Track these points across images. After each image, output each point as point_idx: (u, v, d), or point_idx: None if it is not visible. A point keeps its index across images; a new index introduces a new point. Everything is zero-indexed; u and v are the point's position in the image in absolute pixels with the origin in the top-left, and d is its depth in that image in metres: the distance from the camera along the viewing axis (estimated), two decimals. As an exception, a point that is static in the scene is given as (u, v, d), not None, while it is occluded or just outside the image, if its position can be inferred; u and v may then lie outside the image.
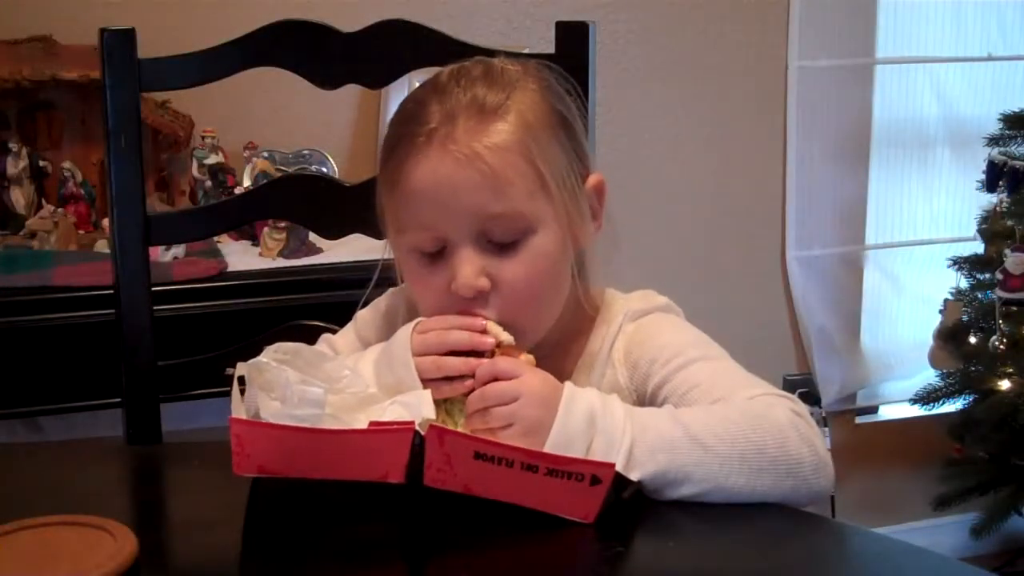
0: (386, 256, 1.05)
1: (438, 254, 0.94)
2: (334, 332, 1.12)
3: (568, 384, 0.89)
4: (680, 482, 0.85)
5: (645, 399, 0.98)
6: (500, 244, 0.93)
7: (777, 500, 0.87)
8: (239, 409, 0.89)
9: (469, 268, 0.92)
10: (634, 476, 0.85)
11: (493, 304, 0.93)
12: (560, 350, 1.02)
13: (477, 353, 0.91)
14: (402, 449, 0.83)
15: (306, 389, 0.86)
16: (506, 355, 0.90)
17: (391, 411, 0.88)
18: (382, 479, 0.84)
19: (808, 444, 0.89)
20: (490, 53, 1.32)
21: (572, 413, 0.86)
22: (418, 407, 0.88)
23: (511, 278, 0.93)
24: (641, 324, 1.01)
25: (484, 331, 0.91)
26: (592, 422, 0.86)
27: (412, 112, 0.95)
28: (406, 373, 0.91)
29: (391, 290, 1.11)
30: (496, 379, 0.88)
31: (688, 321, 1.04)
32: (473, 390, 0.89)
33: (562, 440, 0.85)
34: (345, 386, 0.91)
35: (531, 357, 0.91)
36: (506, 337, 0.91)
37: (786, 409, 0.90)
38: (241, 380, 0.90)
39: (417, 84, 2.09)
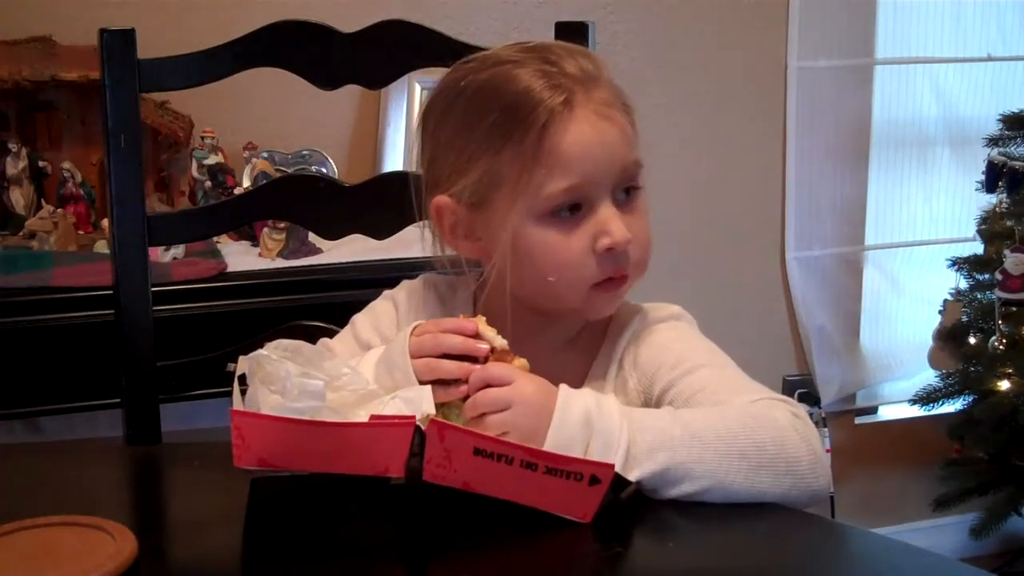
0: (437, 252, 1.05)
1: (573, 218, 0.95)
2: (333, 333, 1.12)
3: (563, 387, 0.89)
4: (680, 480, 0.86)
5: (651, 403, 0.98)
6: (623, 201, 0.97)
7: (775, 499, 0.88)
8: (240, 404, 0.89)
9: (617, 222, 0.95)
10: (634, 475, 0.85)
11: (630, 259, 0.97)
12: (577, 350, 1.03)
13: (472, 358, 0.91)
14: (403, 444, 0.83)
15: (306, 382, 0.86)
16: (500, 360, 0.90)
17: (391, 406, 0.88)
18: (382, 474, 0.84)
19: (806, 444, 0.89)
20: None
21: (567, 417, 0.86)
22: (419, 402, 0.88)
23: (637, 230, 0.97)
24: (652, 330, 1.02)
25: (476, 335, 0.91)
26: (588, 424, 0.86)
27: (519, 87, 0.95)
28: (403, 376, 0.91)
29: (385, 293, 1.11)
30: (489, 385, 0.88)
31: (694, 325, 1.05)
32: (468, 396, 0.89)
33: (558, 444, 0.85)
34: (344, 383, 0.91)
35: (524, 362, 0.91)
36: (500, 342, 0.91)
37: (785, 411, 0.91)
38: (242, 379, 0.90)
39: (418, 84, 2.09)
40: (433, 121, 1.01)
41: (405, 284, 1.12)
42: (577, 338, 1.03)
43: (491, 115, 0.95)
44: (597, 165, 0.95)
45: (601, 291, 0.97)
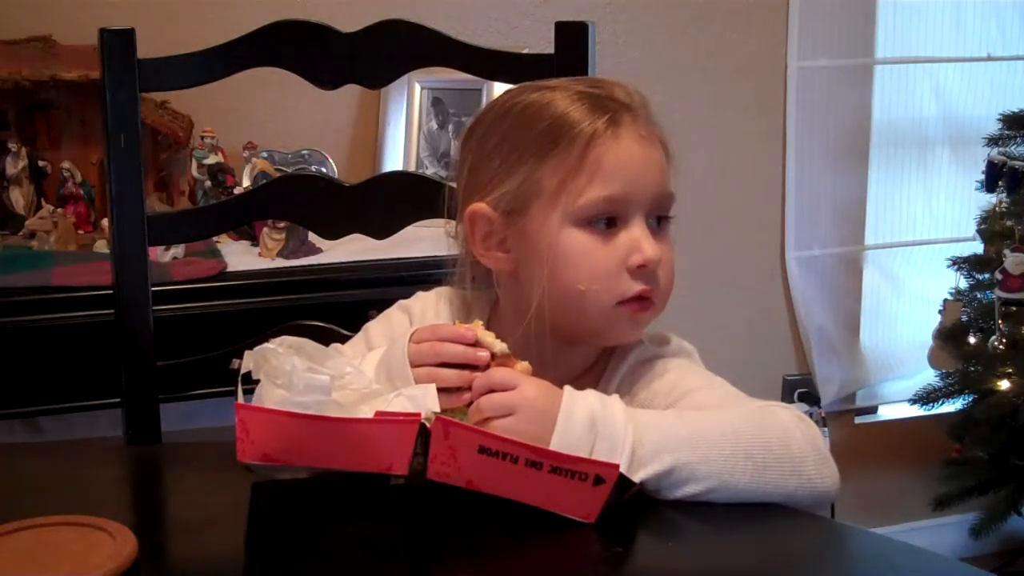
0: (454, 251, 1.05)
1: (608, 231, 0.96)
2: (333, 333, 1.12)
3: (567, 389, 0.89)
4: (685, 480, 0.86)
5: None
6: (654, 229, 0.98)
7: (781, 500, 0.88)
8: (243, 398, 0.89)
9: (650, 241, 0.96)
10: (640, 476, 0.85)
11: (657, 282, 0.97)
12: (581, 381, 1.02)
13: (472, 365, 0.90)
14: (407, 440, 0.82)
15: (312, 376, 0.86)
16: (502, 365, 0.90)
17: (396, 403, 0.88)
18: (386, 471, 0.84)
19: (812, 445, 0.89)
20: (490, 53, 1.33)
21: (572, 420, 0.86)
22: (423, 400, 0.88)
23: (665, 258, 0.98)
24: (648, 365, 1.01)
25: (475, 343, 0.91)
26: (593, 427, 0.86)
27: (569, 105, 0.97)
28: (403, 383, 0.91)
29: (400, 302, 1.11)
30: (492, 390, 0.88)
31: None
32: (471, 403, 0.89)
33: (563, 448, 0.85)
34: (347, 383, 0.91)
35: (527, 365, 0.91)
36: (500, 347, 0.91)
37: (789, 413, 0.92)
38: (246, 377, 0.90)
39: (418, 84, 2.09)
40: (480, 132, 1.02)
41: (420, 295, 1.11)
42: (580, 377, 1.01)
43: (539, 125, 0.97)
44: (637, 181, 0.96)
45: (626, 311, 0.96)
